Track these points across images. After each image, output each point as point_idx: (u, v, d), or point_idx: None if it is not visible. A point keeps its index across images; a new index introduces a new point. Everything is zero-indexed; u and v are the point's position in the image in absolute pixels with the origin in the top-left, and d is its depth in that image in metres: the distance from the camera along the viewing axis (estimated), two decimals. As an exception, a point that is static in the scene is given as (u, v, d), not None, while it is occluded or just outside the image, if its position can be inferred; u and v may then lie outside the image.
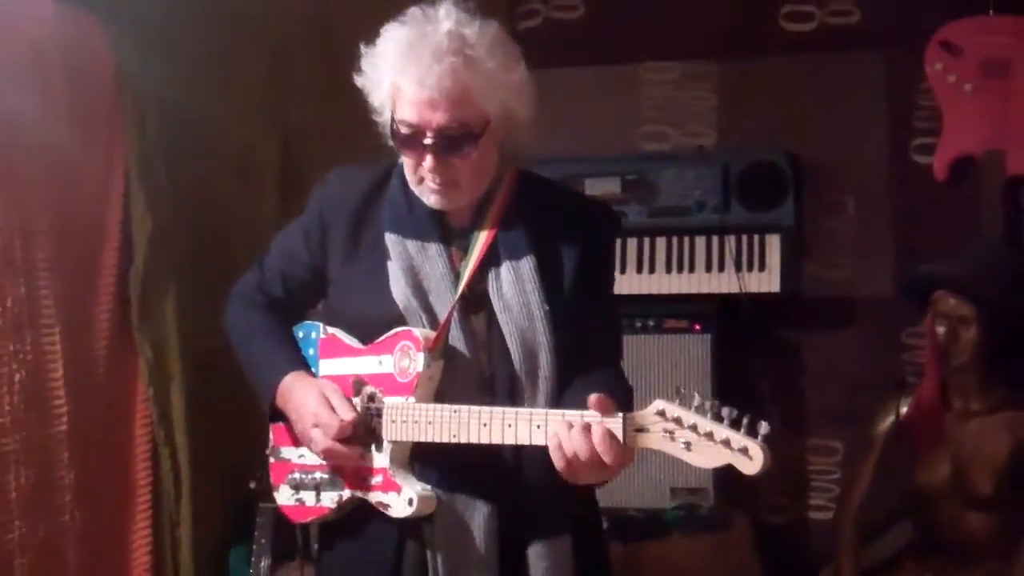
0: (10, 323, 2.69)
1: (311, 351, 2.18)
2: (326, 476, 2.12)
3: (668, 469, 3.58)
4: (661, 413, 1.79)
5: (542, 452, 1.95)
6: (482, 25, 2.00)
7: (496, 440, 1.92)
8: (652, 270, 3.76)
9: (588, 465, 1.84)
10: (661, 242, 3.78)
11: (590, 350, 2.05)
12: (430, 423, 1.97)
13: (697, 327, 3.63)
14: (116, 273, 3.14)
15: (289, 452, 2.20)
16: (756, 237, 3.72)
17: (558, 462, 1.86)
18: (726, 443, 1.74)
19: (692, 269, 3.74)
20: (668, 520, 3.45)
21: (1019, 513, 3.09)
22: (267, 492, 3.19)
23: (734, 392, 3.69)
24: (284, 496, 2.20)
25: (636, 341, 3.61)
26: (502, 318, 2.03)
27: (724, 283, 3.70)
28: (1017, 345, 3.10)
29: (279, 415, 2.16)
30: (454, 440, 1.95)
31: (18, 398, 2.70)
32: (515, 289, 2.03)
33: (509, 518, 2.02)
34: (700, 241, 3.76)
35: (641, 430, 1.81)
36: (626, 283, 3.74)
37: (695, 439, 1.76)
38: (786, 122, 3.87)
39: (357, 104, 3.79)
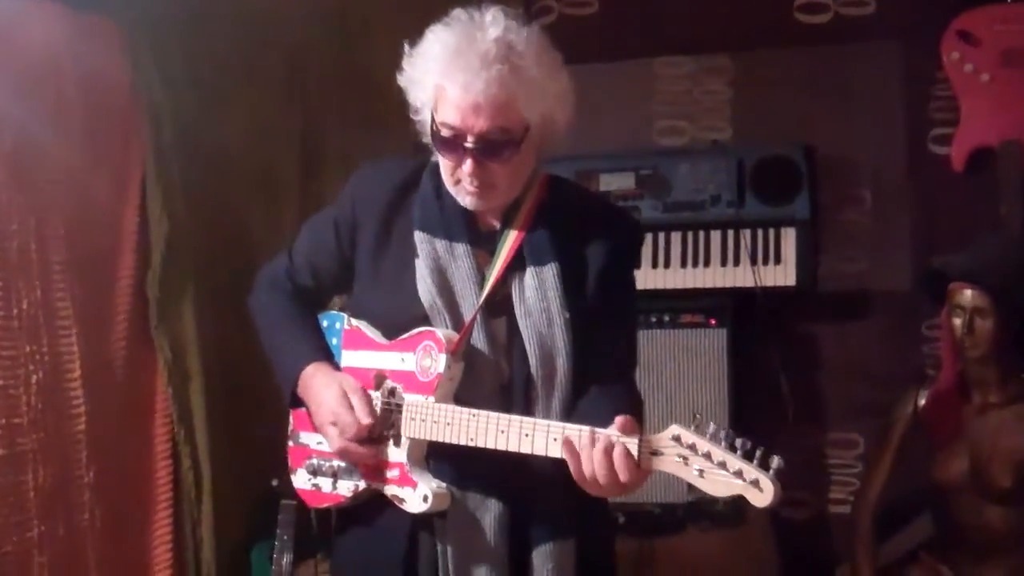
0: (26, 324, 2.73)
1: (335, 340, 2.21)
2: (343, 464, 2.15)
3: (685, 464, 3.57)
4: (676, 439, 1.81)
5: (551, 458, 1.96)
6: (528, 33, 1.99)
7: (512, 448, 1.94)
8: (667, 265, 3.75)
9: (604, 482, 1.85)
10: (676, 237, 3.77)
11: (606, 360, 2.07)
12: (449, 424, 1.99)
13: (713, 321, 3.61)
14: (134, 275, 3.18)
15: (308, 437, 2.23)
16: (771, 231, 3.69)
17: (576, 475, 1.88)
18: (738, 474, 1.76)
19: (707, 263, 3.73)
20: (683, 514, 3.43)
21: (1039, 507, 3.07)
22: (289, 489, 3.24)
23: (751, 386, 3.68)
24: (301, 480, 2.24)
25: (652, 336, 3.60)
26: (522, 323, 2.04)
27: (739, 277, 3.68)
28: (1035, 337, 3.07)
29: (299, 402, 2.18)
30: (471, 443, 1.97)
31: (35, 398, 2.74)
32: (537, 295, 2.04)
33: (518, 518, 2.04)
34: (715, 235, 3.75)
35: (656, 453, 1.84)
36: (641, 278, 3.63)
37: (708, 467, 1.78)
38: (802, 114, 3.85)
39: (374, 104, 3.83)
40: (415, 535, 2.08)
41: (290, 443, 2.28)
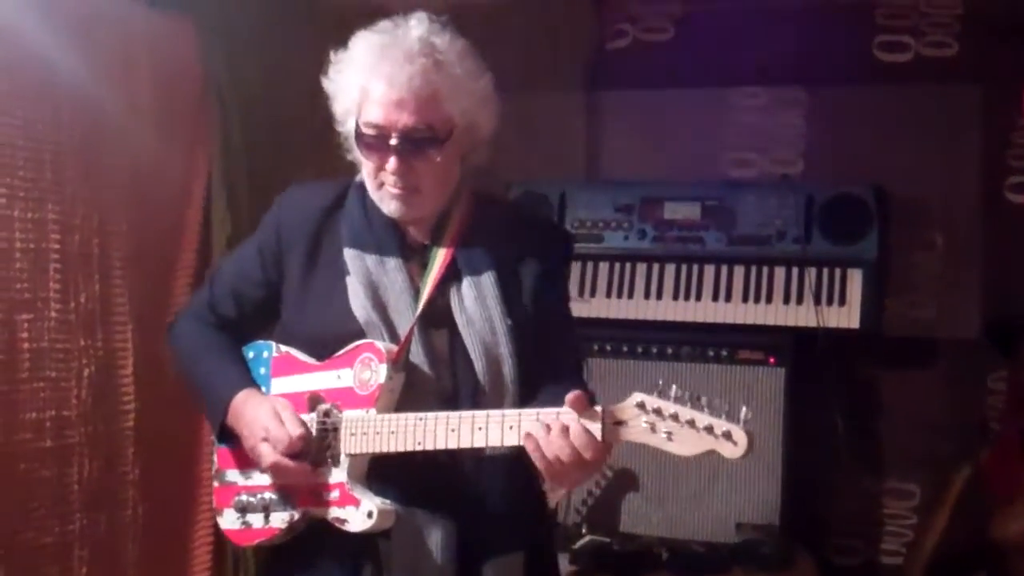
0: (82, 318, 2.74)
1: (262, 370, 2.16)
2: (275, 496, 2.09)
3: (734, 503, 3.50)
4: (641, 405, 1.78)
5: (501, 468, 1.99)
6: (451, 36, 2.05)
7: (465, 444, 1.91)
8: (728, 299, 3.68)
9: (570, 465, 1.83)
10: (739, 271, 3.70)
11: (553, 362, 2.07)
12: (393, 433, 1.97)
13: (772, 360, 3.54)
14: (193, 274, 3.18)
15: (234, 475, 2.17)
16: (837, 271, 3.61)
17: (539, 463, 1.86)
18: (709, 429, 1.73)
19: (769, 300, 3.65)
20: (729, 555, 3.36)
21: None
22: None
23: (807, 429, 3.60)
24: (229, 520, 2.16)
25: (707, 371, 3.55)
26: (465, 332, 2.03)
27: (802, 316, 3.60)
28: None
29: (227, 436, 2.14)
30: (419, 448, 1.94)
31: (86, 392, 2.74)
32: (477, 304, 2.04)
33: (466, 535, 2.01)
34: (779, 272, 3.67)
35: (620, 423, 1.80)
36: (701, 311, 3.68)
37: (676, 428, 1.75)
38: (877, 153, 3.78)
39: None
40: (358, 562, 2.03)
41: (215, 483, 2.21)
